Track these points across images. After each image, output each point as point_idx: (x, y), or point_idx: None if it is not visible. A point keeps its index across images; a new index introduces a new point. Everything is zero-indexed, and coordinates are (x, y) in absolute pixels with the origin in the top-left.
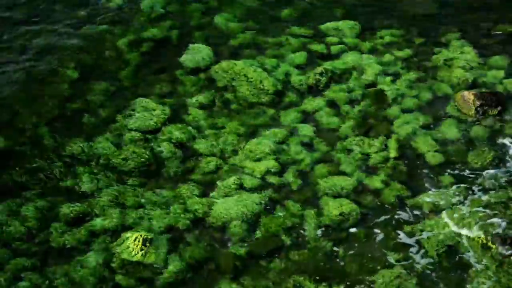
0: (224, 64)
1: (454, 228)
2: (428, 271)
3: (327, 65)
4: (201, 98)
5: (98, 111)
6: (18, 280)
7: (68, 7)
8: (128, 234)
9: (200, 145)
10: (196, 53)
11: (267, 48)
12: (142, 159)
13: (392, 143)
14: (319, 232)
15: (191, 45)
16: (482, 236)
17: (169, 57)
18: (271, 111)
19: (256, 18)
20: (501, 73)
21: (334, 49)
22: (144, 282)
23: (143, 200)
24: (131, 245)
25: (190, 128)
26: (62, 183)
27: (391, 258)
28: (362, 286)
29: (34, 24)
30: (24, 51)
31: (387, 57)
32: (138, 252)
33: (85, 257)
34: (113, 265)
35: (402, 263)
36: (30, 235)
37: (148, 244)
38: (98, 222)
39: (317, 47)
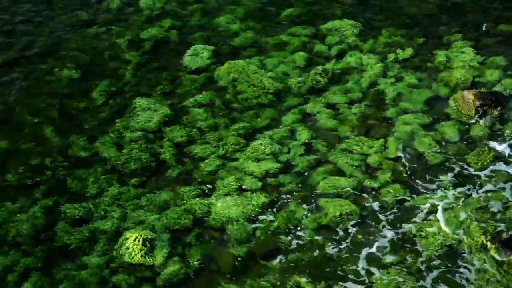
0: (225, 64)
1: (454, 229)
2: (427, 272)
3: (327, 65)
4: (202, 98)
5: (99, 111)
6: (25, 280)
7: (68, 7)
8: (128, 235)
9: (201, 146)
10: (197, 53)
11: (268, 48)
12: (143, 160)
13: (392, 144)
14: (318, 232)
15: (192, 45)
16: (482, 236)
17: (169, 57)
18: (271, 112)
19: (256, 18)
20: (501, 73)
21: (335, 49)
22: (144, 283)
23: (143, 201)
24: (131, 246)
25: (190, 128)
26: (65, 183)
27: (390, 258)
28: (361, 286)
29: (34, 24)
30: (24, 51)
31: (387, 57)
32: (138, 253)
33: (88, 258)
34: (114, 265)
35: (401, 263)
36: (35, 235)
37: (148, 245)
38: (100, 222)
39: (318, 47)
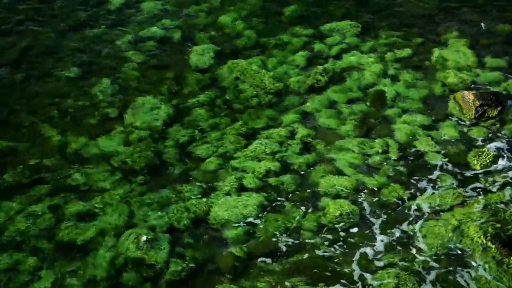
0: (227, 63)
1: (454, 229)
2: (427, 272)
3: (328, 64)
4: (204, 97)
5: (101, 110)
6: (30, 280)
7: (68, 7)
8: (129, 233)
9: (202, 145)
10: (200, 53)
11: (269, 47)
12: (145, 159)
13: (391, 143)
14: (318, 233)
15: (194, 45)
16: (482, 236)
17: (172, 57)
18: (272, 111)
19: (259, 18)
20: (501, 73)
21: (335, 49)
22: (145, 281)
23: (145, 200)
24: (132, 244)
25: (192, 127)
26: (66, 182)
27: (391, 258)
28: (363, 286)
29: (34, 24)
30: (24, 51)
31: (387, 57)
32: (139, 252)
33: (90, 257)
34: (116, 264)
35: (402, 263)
36: (36, 234)
37: (148, 244)
38: (102, 221)
39: (318, 46)
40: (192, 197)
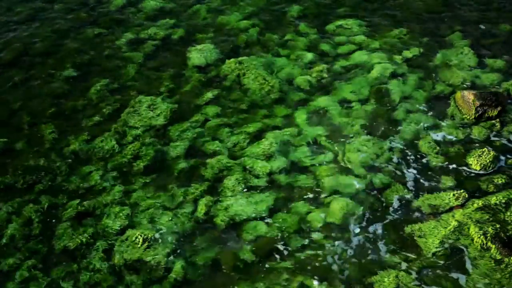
0: (231, 62)
1: (454, 229)
2: (428, 272)
3: (333, 63)
4: (206, 96)
5: (102, 110)
6: (27, 282)
7: (68, 8)
8: (130, 233)
9: (206, 144)
10: (202, 51)
11: (273, 46)
12: (148, 158)
13: (394, 143)
14: (322, 232)
15: (197, 43)
16: (482, 236)
17: (172, 56)
18: (277, 110)
19: (263, 16)
20: (502, 73)
21: (340, 47)
22: (147, 282)
23: (145, 199)
24: (132, 245)
25: (196, 126)
26: (64, 182)
27: (392, 258)
28: (363, 286)
29: (34, 24)
30: (24, 51)
31: (391, 56)
32: (140, 252)
33: (88, 258)
34: (115, 265)
35: (403, 263)
36: (34, 236)
37: (149, 243)
38: (102, 221)
39: (324, 45)
40: (197, 196)
